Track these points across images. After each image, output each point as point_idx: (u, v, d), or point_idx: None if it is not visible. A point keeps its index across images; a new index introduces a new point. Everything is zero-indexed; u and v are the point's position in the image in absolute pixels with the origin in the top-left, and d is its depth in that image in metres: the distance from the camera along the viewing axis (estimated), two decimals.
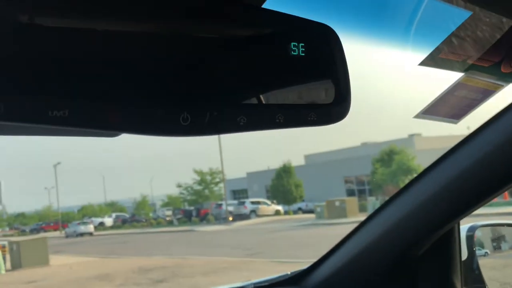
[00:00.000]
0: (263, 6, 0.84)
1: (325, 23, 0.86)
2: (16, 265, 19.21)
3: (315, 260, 1.85)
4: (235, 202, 46.13)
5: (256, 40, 0.79)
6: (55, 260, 20.58)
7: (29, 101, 0.58)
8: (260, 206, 42.37)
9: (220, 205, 42.96)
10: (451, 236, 1.67)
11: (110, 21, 0.65)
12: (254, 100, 0.79)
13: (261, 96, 0.79)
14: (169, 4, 0.70)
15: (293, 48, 0.80)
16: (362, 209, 34.12)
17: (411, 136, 45.17)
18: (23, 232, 54.89)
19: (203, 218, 43.08)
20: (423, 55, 1.35)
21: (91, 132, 0.80)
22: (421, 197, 1.55)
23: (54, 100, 0.59)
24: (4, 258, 18.66)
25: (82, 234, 40.47)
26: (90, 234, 40.92)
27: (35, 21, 0.59)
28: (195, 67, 0.71)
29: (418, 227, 1.59)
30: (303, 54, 0.81)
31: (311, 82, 0.85)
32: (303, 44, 0.81)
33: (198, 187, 47.55)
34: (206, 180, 46.86)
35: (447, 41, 1.31)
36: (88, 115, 0.61)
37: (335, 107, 0.84)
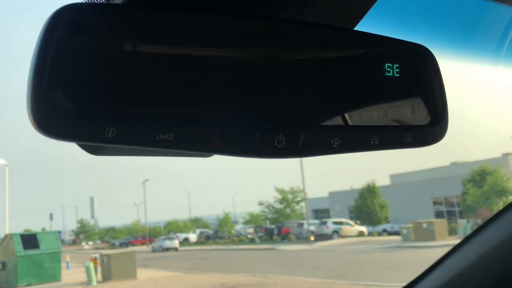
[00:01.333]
0: (355, 28, 0.84)
1: (420, 43, 0.85)
2: (106, 277, 20.23)
3: (402, 284, 1.78)
4: (317, 221, 45.61)
5: (349, 62, 0.79)
6: (142, 273, 21.42)
7: (138, 125, 0.62)
8: (342, 226, 41.53)
9: (302, 224, 42.64)
10: None
11: (207, 47, 0.68)
12: (347, 122, 0.79)
13: (355, 118, 0.78)
14: (266, 32, 0.72)
15: (388, 69, 0.79)
16: (452, 232, 32.35)
17: (505, 155, 42.35)
18: (113, 246, 57.91)
19: (284, 237, 42.97)
20: None
21: (191, 153, 0.84)
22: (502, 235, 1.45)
23: (161, 124, 0.63)
24: (95, 270, 19.72)
25: (167, 249, 41.88)
26: (175, 249, 42.23)
27: (137, 49, 0.64)
28: (288, 91, 0.73)
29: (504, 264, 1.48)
30: (398, 75, 0.80)
31: (407, 103, 0.83)
32: (397, 65, 0.80)
33: (279, 206, 47.58)
34: (288, 198, 46.81)
35: None
36: (192, 138, 0.64)
37: (431, 129, 0.82)
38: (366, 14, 0.85)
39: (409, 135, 0.79)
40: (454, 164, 47.79)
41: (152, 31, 0.65)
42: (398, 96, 0.82)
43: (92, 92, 0.60)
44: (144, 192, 61.34)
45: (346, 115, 0.78)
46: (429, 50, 0.83)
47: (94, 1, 0.70)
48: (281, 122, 0.71)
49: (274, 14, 0.80)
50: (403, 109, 0.84)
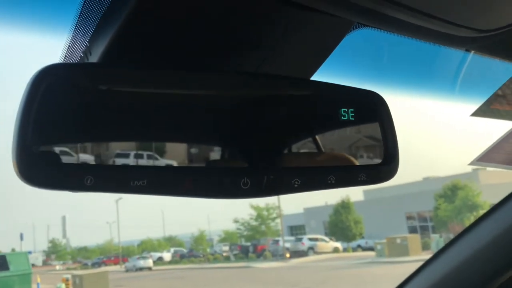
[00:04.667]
0: (312, 78, 0.92)
1: (375, 87, 0.93)
2: None
3: None
4: (292, 238, 45.60)
5: (307, 109, 0.87)
6: None
7: (113, 174, 0.68)
8: (318, 243, 41.64)
9: (277, 241, 42.58)
10: None
11: (174, 102, 0.75)
12: (307, 163, 0.86)
13: (314, 159, 0.86)
14: (230, 85, 0.79)
15: (343, 114, 0.87)
16: (425, 247, 32.78)
17: (476, 170, 43.32)
18: (85, 266, 56.58)
19: (260, 254, 42.81)
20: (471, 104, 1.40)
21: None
22: (489, 237, 1.53)
23: (135, 172, 0.69)
24: None
25: (141, 269, 41.21)
26: (149, 268, 41.59)
27: (112, 105, 0.71)
28: (252, 138, 0.80)
29: (485, 269, 1.56)
30: (353, 119, 0.88)
31: (361, 144, 0.91)
32: (352, 110, 0.88)
33: (255, 223, 47.44)
34: (263, 215, 46.71)
35: (498, 93, 1.34)
36: (165, 184, 0.71)
37: (384, 167, 0.90)
38: (324, 64, 0.93)
39: (363, 174, 0.87)
40: (426, 179, 48.57)
41: (125, 85, 0.72)
42: (353, 138, 0.90)
43: (71, 145, 0.67)
44: (117, 211, 60.45)
45: (305, 157, 0.86)
46: (381, 96, 0.92)
47: (72, 61, 0.77)
48: (246, 166, 0.78)
49: (238, 67, 0.87)
50: (357, 150, 0.92)
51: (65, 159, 0.66)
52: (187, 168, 0.74)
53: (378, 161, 0.90)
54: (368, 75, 1.17)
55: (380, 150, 0.90)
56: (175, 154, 0.74)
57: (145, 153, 0.72)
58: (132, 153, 0.71)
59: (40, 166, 0.63)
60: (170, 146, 0.74)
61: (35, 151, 0.62)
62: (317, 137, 0.87)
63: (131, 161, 0.70)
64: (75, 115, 0.67)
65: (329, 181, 0.83)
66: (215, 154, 0.77)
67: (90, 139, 0.68)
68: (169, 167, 0.73)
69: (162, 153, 0.73)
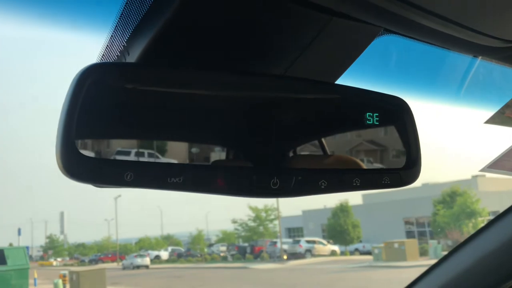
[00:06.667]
0: (338, 81, 0.95)
1: (391, 92, 0.96)
2: None
3: None
4: (290, 240, 45.62)
5: (334, 113, 0.89)
6: None
7: (152, 170, 0.70)
8: (315, 245, 41.65)
9: (275, 243, 42.60)
10: None
11: (212, 102, 0.78)
12: (333, 165, 0.88)
13: (340, 162, 0.88)
14: (262, 86, 0.82)
15: (368, 118, 0.90)
16: (422, 252, 32.77)
17: (475, 177, 43.37)
18: (82, 262, 56.59)
19: (257, 256, 42.82)
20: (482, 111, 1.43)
21: None
22: (492, 246, 1.55)
23: (172, 169, 0.71)
24: (64, 287, 19.30)
25: (138, 267, 41.19)
26: (146, 267, 41.56)
27: (152, 104, 0.73)
28: (282, 140, 0.82)
29: (487, 278, 1.58)
30: (378, 123, 0.90)
31: (385, 148, 0.94)
32: (377, 114, 0.90)
33: (253, 224, 47.47)
34: (261, 216, 46.74)
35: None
36: (199, 181, 0.73)
37: (406, 171, 0.92)
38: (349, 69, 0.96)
39: (387, 177, 0.89)
40: (425, 185, 48.63)
41: (163, 85, 0.74)
42: (378, 143, 0.92)
43: (113, 141, 0.69)
44: (115, 208, 60.47)
45: (332, 159, 0.88)
46: (405, 102, 0.94)
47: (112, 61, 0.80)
48: (276, 167, 0.80)
49: (267, 70, 0.90)
50: (381, 154, 0.94)
51: (106, 155, 0.68)
52: (220, 167, 0.77)
53: (401, 165, 0.92)
54: (380, 79, 1.20)
55: (403, 155, 0.93)
56: (208, 153, 0.76)
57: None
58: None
59: (83, 161, 0.65)
60: (204, 146, 0.77)
61: (78, 147, 0.65)
62: (344, 141, 0.90)
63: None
64: (115, 113, 0.69)
65: (354, 184, 0.86)
66: (246, 155, 0.80)
67: (131, 136, 0.71)
68: (203, 166, 0.75)
69: (198, 153, 0.75)
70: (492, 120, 1.44)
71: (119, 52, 0.84)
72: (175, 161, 0.73)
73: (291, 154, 0.84)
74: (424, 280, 1.75)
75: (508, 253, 1.52)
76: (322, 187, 0.83)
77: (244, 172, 0.78)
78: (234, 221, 49.03)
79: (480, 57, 1.14)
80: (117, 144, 0.70)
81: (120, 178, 0.67)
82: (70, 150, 0.64)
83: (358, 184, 0.86)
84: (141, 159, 0.71)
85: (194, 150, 0.76)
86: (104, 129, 0.69)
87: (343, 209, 42.06)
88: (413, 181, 0.92)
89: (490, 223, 1.61)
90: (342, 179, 0.86)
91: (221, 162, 0.78)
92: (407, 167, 0.92)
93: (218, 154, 0.78)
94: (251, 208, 46.56)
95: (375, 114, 0.90)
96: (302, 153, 0.86)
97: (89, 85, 0.67)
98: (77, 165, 0.65)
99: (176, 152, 0.74)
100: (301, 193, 0.82)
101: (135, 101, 0.72)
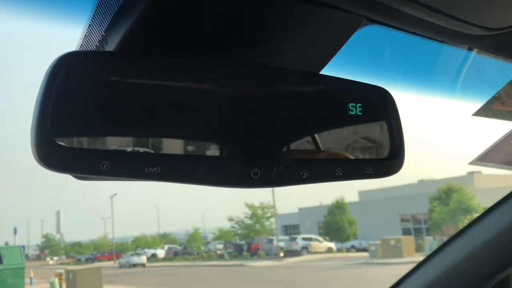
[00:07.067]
0: (322, 72, 0.94)
1: (380, 84, 0.95)
2: None
3: None
4: (287, 237, 45.70)
5: (317, 102, 0.89)
6: None
7: (129, 159, 0.69)
8: (312, 242, 41.75)
9: (271, 240, 42.67)
10: (508, 282, 1.66)
11: (190, 91, 0.77)
12: (315, 156, 0.88)
13: (322, 152, 0.88)
14: (243, 76, 0.81)
15: (351, 108, 0.89)
16: (418, 249, 32.91)
17: (471, 173, 43.53)
18: (78, 261, 56.51)
19: (254, 253, 42.87)
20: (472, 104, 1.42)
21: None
22: (482, 239, 1.55)
23: (150, 158, 0.70)
24: (60, 286, 19.26)
25: (135, 265, 41.16)
26: (143, 265, 41.54)
27: (129, 93, 0.72)
28: (263, 128, 0.81)
29: (478, 270, 1.58)
30: (360, 113, 0.89)
31: (368, 138, 0.93)
32: (360, 105, 0.89)
33: (249, 222, 47.48)
34: (258, 214, 46.76)
35: (500, 93, 1.36)
36: (178, 171, 0.72)
37: (390, 162, 0.92)
38: (333, 59, 0.95)
39: (370, 167, 0.89)
40: (421, 182, 48.79)
41: (142, 75, 0.73)
42: (360, 133, 0.91)
43: (89, 131, 0.68)
44: (112, 207, 60.36)
45: (314, 149, 0.88)
46: (388, 92, 0.93)
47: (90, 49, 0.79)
48: (257, 157, 0.79)
49: (247, 60, 0.89)
50: (364, 144, 0.93)
51: (82, 144, 0.67)
52: (199, 157, 0.76)
53: (384, 155, 0.92)
54: (369, 71, 1.19)
55: (386, 146, 0.92)
56: (190, 144, 0.76)
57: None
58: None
59: (58, 151, 0.64)
60: (185, 135, 0.75)
61: (53, 136, 0.64)
62: (326, 130, 0.89)
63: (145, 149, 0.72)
64: (92, 103, 0.68)
65: (337, 173, 0.85)
66: (226, 145, 0.79)
67: (107, 127, 0.70)
68: (182, 156, 0.74)
69: (176, 142, 0.74)
70: (480, 113, 1.44)
71: (98, 42, 0.83)
72: (153, 151, 0.72)
73: (284, 149, 0.83)
74: (416, 274, 1.75)
75: (500, 245, 1.52)
76: (304, 177, 0.82)
77: (224, 162, 0.77)
78: (230, 219, 49.03)
79: (466, 46, 1.13)
80: (93, 134, 0.69)
81: (96, 167, 0.66)
82: (44, 139, 0.63)
83: (340, 174, 0.85)
84: (118, 148, 0.70)
85: (174, 139, 0.75)
86: (80, 119, 0.68)
87: (339, 206, 42.13)
88: (397, 171, 0.92)
89: (482, 216, 1.61)
90: (324, 169, 0.85)
91: (204, 152, 0.77)
92: (390, 157, 0.92)
93: (197, 145, 0.77)
94: (247, 205, 46.59)
95: (358, 104, 0.89)
96: (284, 143, 0.85)
97: (65, 73, 0.66)
98: (52, 154, 0.64)
99: (156, 141, 0.73)
100: (283, 183, 0.82)
101: (113, 90, 0.71)
